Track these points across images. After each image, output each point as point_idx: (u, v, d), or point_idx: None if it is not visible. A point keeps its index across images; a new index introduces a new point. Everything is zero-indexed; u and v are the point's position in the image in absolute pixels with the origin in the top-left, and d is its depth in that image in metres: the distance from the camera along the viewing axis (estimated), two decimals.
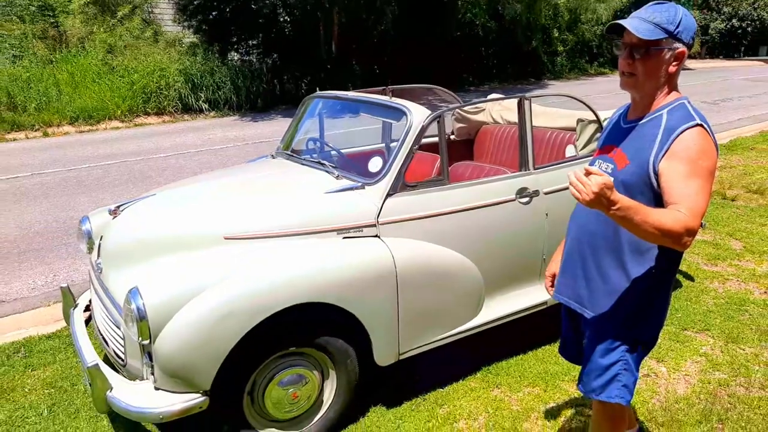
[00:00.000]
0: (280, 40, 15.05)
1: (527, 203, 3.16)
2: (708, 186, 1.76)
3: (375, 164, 2.93)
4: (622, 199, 1.63)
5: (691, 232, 1.70)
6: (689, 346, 3.46)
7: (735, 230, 5.41)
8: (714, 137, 1.83)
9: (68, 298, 3.18)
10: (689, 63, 25.70)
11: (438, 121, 2.96)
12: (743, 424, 2.75)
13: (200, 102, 12.75)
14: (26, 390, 3.16)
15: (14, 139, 10.41)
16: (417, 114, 2.91)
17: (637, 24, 1.80)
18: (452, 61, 17.31)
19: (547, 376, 3.18)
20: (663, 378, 3.15)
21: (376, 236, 2.75)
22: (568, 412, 2.89)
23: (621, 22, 1.82)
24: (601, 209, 1.63)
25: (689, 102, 1.87)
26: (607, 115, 3.60)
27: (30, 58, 13.03)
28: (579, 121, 3.56)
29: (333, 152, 3.48)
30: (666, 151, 1.78)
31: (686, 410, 2.85)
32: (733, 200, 6.30)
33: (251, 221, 2.65)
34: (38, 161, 8.53)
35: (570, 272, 2.09)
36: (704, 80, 18.72)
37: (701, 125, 1.79)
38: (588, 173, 1.61)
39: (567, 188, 3.34)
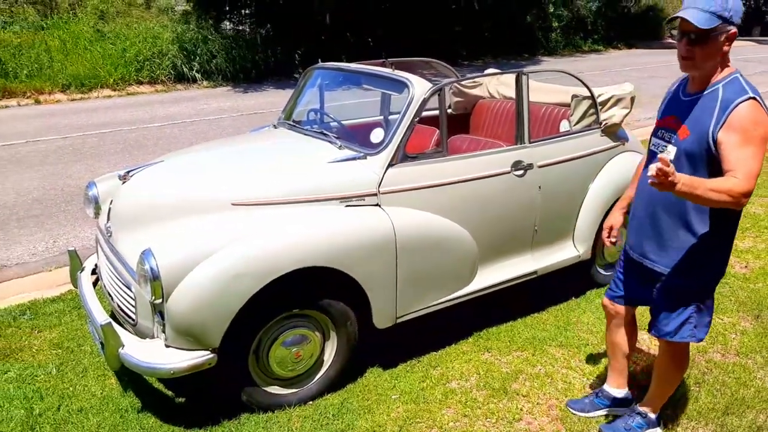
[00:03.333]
0: (274, 10, 14.90)
1: (522, 176, 3.28)
2: (760, 152, 2.00)
3: (377, 135, 3.02)
4: (682, 177, 1.90)
5: (747, 194, 1.96)
6: None
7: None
8: (766, 107, 2.05)
9: (75, 262, 3.28)
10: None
11: (439, 94, 3.05)
12: (718, 387, 2.92)
13: (194, 71, 12.67)
14: (34, 350, 3.27)
15: (6, 107, 10.35)
16: (419, 86, 3.00)
17: (696, 15, 2.01)
18: (447, 34, 17.23)
19: (535, 341, 3.34)
20: (645, 345, 3.31)
21: (377, 205, 2.86)
22: (554, 374, 3.05)
23: (681, 14, 2.03)
24: (668, 189, 1.90)
25: (742, 76, 2.10)
26: (601, 91, 3.71)
27: (21, 24, 12.88)
28: (574, 96, 3.66)
29: (334, 123, 3.56)
30: (723, 122, 2.03)
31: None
32: None
33: (257, 188, 2.75)
34: (32, 129, 8.51)
35: (642, 233, 2.36)
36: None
37: (754, 98, 2.03)
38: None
39: (560, 162, 3.49)
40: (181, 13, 13.88)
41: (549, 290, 3.84)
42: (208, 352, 2.46)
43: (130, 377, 2.95)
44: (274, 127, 3.67)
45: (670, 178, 1.85)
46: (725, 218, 2.17)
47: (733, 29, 2.06)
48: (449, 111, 4.63)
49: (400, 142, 2.92)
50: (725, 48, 2.08)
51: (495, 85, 4.54)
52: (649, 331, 2.44)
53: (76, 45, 12.34)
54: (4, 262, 4.46)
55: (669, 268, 2.28)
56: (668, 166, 1.82)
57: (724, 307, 3.73)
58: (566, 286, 3.89)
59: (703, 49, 2.06)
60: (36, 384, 2.97)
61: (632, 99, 3.79)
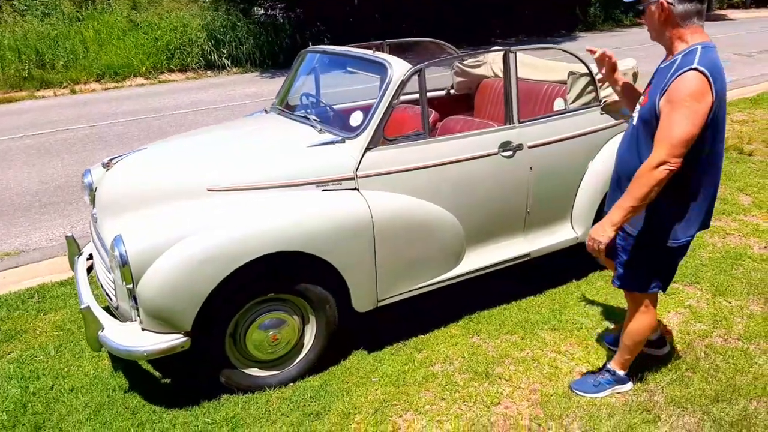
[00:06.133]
0: None
1: (510, 157, 3.19)
2: (688, 121, 2.05)
3: (356, 119, 2.99)
4: (609, 219, 2.24)
5: (664, 162, 2.09)
6: (675, 298, 3.49)
7: (746, 185, 5.32)
8: (712, 81, 2.05)
9: (73, 247, 3.38)
10: (730, 13, 24.56)
11: (419, 75, 2.99)
12: (713, 373, 2.80)
13: (223, 58, 12.82)
14: (37, 332, 3.40)
15: (43, 97, 10.71)
16: (397, 68, 2.95)
17: None
18: (480, 12, 16.89)
19: (527, 324, 3.27)
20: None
21: (354, 189, 2.83)
22: (542, 358, 2.99)
23: None
24: (611, 236, 2.24)
25: (704, 48, 2.11)
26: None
27: (58, 16, 13.27)
28: (570, 74, 3.53)
29: (324, 107, 3.54)
30: (664, 91, 2.10)
31: (650, 350, 2.91)
32: (750, 155, 6.16)
33: (234, 174, 2.76)
34: (64, 118, 8.79)
35: (613, 192, 2.49)
36: (744, 30, 17.89)
37: (696, 69, 2.04)
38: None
39: (553, 142, 3.39)
40: (211, 1, 14.00)
41: (548, 273, 3.76)
42: (181, 335, 2.51)
43: (122, 359, 3.03)
44: (266, 112, 3.67)
45: (600, 238, 2.24)
46: (675, 182, 2.20)
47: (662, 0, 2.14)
48: (452, 92, 4.55)
49: (378, 124, 2.88)
50: (660, 17, 2.17)
51: (499, 63, 4.42)
52: (613, 283, 2.57)
53: (110, 35, 12.66)
54: (24, 247, 4.64)
55: (630, 225, 2.36)
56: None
57: (733, 290, 3.57)
58: (567, 269, 3.79)
59: (645, 18, 2.26)
60: (35, 364, 3.10)
61: (635, 75, 3.63)
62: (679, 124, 2.05)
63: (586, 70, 3.50)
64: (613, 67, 2.63)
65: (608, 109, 3.55)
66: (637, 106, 2.36)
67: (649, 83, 2.34)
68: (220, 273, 2.45)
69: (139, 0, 13.79)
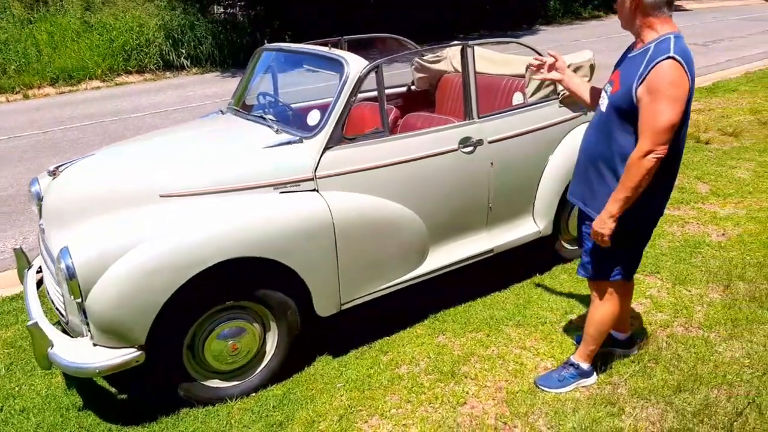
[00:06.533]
0: None
1: (471, 153, 3.17)
2: (670, 109, 2.10)
3: (313, 117, 2.92)
4: (608, 211, 2.28)
5: (650, 152, 2.15)
6: (636, 288, 3.49)
7: (704, 173, 5.42)
8: (688, 69, 2.12)
9: (22, 260, 3.24)
10: (686, 4, 25.09)
11: (376, 72, 2.93)
12: (675, 363, 2.82)
13: (182, 58, 12.55)
14: None
15: None
16: (354, 65, 2.89)
17: None
18: (441, 7, 16.91)
19: (492, 321, 3.26)
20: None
21: (314, 190, 2.77)
22: (507, 355, 2.97)
23: None
24: (611, 229, 2.31)
25: (675, 37, 2.16)
26: (574, 60, 3.56)
27: (8, 19, 12.79)
28: (529, 67, 3.51)
29: (282, 106, 3.46)
30: (643, 79, 2.14)
31: (618, 351, 2.92)
32: (706, 143, 6.28)
33: (187, 178, 2.66)
34: (17, 124, 8.48)
35: (579, 180, 2.53)
36: (699, 21, 18.31)
37: (673, 57, 2.10)
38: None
39: (513, 137, 3.37)
40: (168, 0, 13.68)
41: (512, 267, 3.75)
42: (135, 350, 2.41)
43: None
44: (222, 113, 3.57)
45: (602, 231, 2.32)
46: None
47: None
48: (413, 88, 4.51)
49: (337, 123, 2.82)
50: (631, 6, 2.22)
51: (458, 58, 4.39)
52: (578, 272, 2.63)
53: (64, 37, 12.25)
54: None
55: (598, 212, 2.39)
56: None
57: (693, 278, 3.61)
58: (531, 263, 3.79)
59: (619, 8, 2.30)
60: None
61: (592, 67, 3.65)
62: (662, 113, 2.11)
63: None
64: (559, 69, 2.69)
65: (566, 102, 3.55)
66: (605, 94, 2.38)
67: (616, 70, 2.37)
68: (173, 282, 2.36)
69: (93, 0, 13.39)
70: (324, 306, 2.82)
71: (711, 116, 7.31)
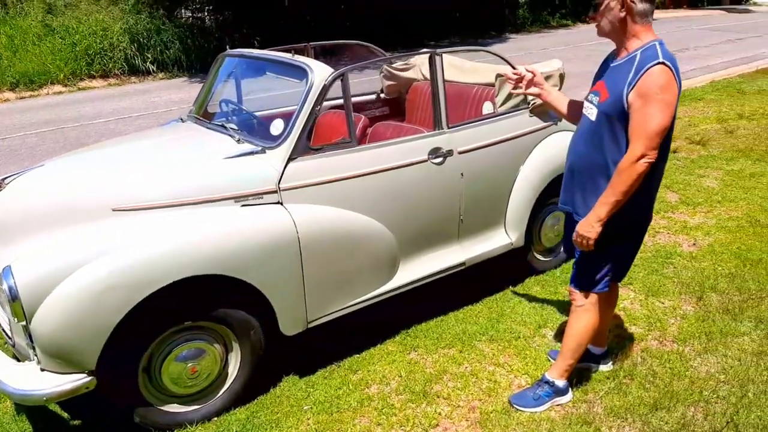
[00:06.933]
0: None
1: (441, 163, 3.08)
2: (662, 114, 2.12)
3: (276, 127, 2.80)
4: (596, 214, 2.27)
5: (642, 156, 2.15)
6: None
7: (672, 182, 5.43)
8: (676, 74, 2.15)
9: None
10: None
11: (342, 80, 2.83)
12: (651, 379, 2.77)
13: (147, 63, 12.27)
14: None
15: None
16: (318, 72, 2.77)
17: None
18: (411, 14, 16.90)
19: (464, 336, 3.17)
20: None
21: (277, 203, 2.64)
22: (480, 372, 2.88)
23: None
24: (594, 237, 2.30)
25: (660, 44, 2.19)
26: (543, 69, 3.50)
27: None
28: (498, 76, 3.45)
29: (245, 114, 3.33)
30: (634, 85, 2.15)
31: (595, 366, 2.86)
32: (674, 152, 6.32)
33: (143, 191, 2.51)
34: None
35: (570, 189, 2.51)
36: (664, 30, 18.65)
37: (663, 63, 2.12)
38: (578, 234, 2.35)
39: (483, 147, 3.30)
40: (133, 4, 13.36)
41: (485, 280, 3.67)
42: (85, 375, 2.25)
43: None
44: (182, 121, 3.42)
45: (588, 234, 2.30)
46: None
47: None
48: (382, 95, 4.42)
49: (301, 133, 2.70)
50: (621, 14, 2.21)
51: (428, 66, 4.31)
52: (570, 284, 2.57)
53: (24, 41, 11.86)
54: None
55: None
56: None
57: (665, 290, 3.58)
58: (503, 275, 3.72)
59: (601, 16, 2.26)
60: None
61: (561, 76, 3.61)
62: (654, 117, 2.12)
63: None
64: (537, 84, 2.68)
65: (536, 111, 3.49)
66: (589, 105, 2.38)
67: (600, 80, 2.38)
68: (126, 303, 2.21)
69: (55, 3, 13.01)
70: (289, 325, 2.69)
71: (678, 125, 7.37)
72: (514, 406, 2.61)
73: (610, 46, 2.40)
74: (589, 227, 2.30)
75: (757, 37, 16.84)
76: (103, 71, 11.99)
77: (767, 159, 5.99)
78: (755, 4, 32.86)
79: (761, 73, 10.84)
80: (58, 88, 11.29)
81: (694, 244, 4.22)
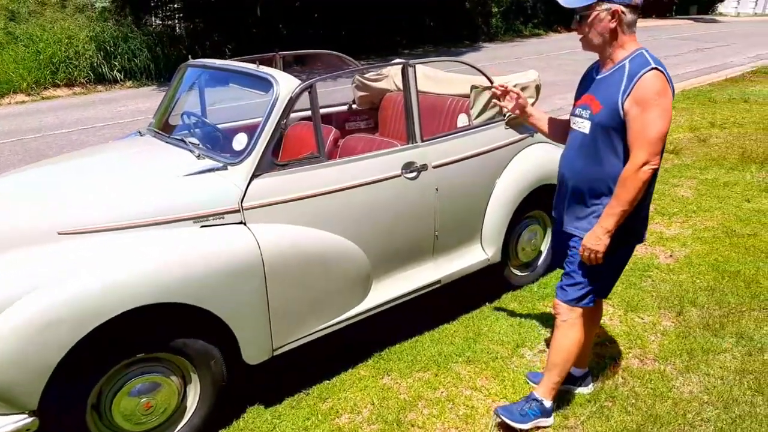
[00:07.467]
0: (204, 3, 14.23)
1: (414, 178, 2.95)
2: (660, 119, 2.09)
3: (239, 141, 2.64)
4: (603, 227, 2.21)
5: (647, 162, 2.11)
6: None
7: None
8: (669, 78, 2.14)
9: None
10: None
11: (310, 92, 2.68)
12: (632, 401, 2.66)
13: (114, 71, 11.96)
14: None
15: None
16: (284, 84, 2.62)
17: None
18: (385, 23, 16.85)
19: (440, 358, 3.03)
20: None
21: (240, 223, 2.48)
22: (456, 397, 2.74)
23: None
24: (607, 243, 2.24)
25: (647, 51, 2.19)
26: (502, 80, 3.40)
27: None
28: (473, 87, 3.34)
29: (208, 127, 3.15)
30: (629, 92, 2.12)
31: (575, 388, 2.74)
32: None
33: (93, 212, 2.32)
34: None
35: (564, 203, 2.44)
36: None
37: (656, 68, 2.11)
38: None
39: (458, 161, 3.17)
40: (100, 11, 13.06)
41: (460, 297, 3.54)
42: (26, 416, 2.05)
43: None
44: (140, 134, 3.23)
45: (596, 248, 2.23)
46: None
47: (616, 7, 2.15)
48: (354, 106, 4.28)
49: (266, 148, 2.54)
50: (611, 25, 2.17)
51: (401, 77, 4.19)
52: (557, 296, 2.49)
53: None
54: None
55: (585, 232, 2.32)
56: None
57: (644, 305, 3.50)
58: (480, 291, 3.59)
59: (588, 27, 2.21)
60: None
61: (537, 87, 3.51)
62: (653, 123, 2.09)
63: (488, 83, 3.32)
64: (521, 106, 2.66)
65: (512, 123, 3.39)
66: (578, 119, 2.34)
67: (586, 93, 2.33)
68: (71, 337, 2.02)
69: (18, 10, 12.64)
70: (253, 354, 2.52)
71: None
72: (500, 416, 2.49)
73: (581, 55, 2.32)
74: (596, 240, 2.24)
75: (725, 46, 17.16)
76: (68, 80, 11.64)
77: (740, 168, 6.00)
78: (721, 14, 33.67)
79: (730, 82, 10.99)
80: (20, 97, 10.92)
81: (671, 255, 4.16)
